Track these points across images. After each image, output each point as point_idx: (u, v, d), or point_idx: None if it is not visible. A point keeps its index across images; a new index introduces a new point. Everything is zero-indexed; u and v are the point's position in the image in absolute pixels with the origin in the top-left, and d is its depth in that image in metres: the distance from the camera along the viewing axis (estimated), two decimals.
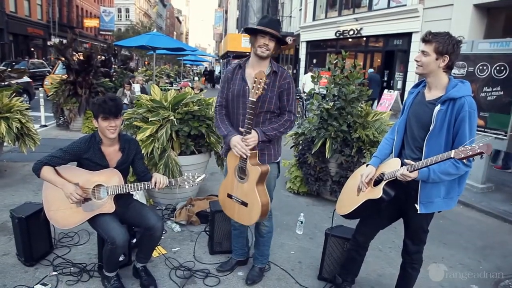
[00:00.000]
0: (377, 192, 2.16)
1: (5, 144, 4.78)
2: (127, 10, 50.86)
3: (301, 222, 3.71)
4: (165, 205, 4.11)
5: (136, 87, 9.38)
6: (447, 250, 3.60)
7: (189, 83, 16.41)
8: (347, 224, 2.89)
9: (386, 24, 12.88)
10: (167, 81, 17.69)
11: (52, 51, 21.08)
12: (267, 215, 2.50)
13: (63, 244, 3.16)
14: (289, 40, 18.65)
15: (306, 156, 4.59)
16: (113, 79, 9.29)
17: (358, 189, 2.34)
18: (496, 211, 4.64)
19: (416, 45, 11.14)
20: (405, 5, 12.07)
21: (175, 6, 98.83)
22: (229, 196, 2.54)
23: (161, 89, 4.66)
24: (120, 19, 47.77)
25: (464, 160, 1.86)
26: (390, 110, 9.64)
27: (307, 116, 6.38)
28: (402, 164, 2.11)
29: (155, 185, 2.43)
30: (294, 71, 20.60)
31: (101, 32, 39.39)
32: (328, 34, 16.53)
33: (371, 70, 13.24)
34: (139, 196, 3.58)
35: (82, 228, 3.14)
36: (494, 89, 5.01)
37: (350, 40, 15.70)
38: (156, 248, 2.98)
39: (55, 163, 2.39)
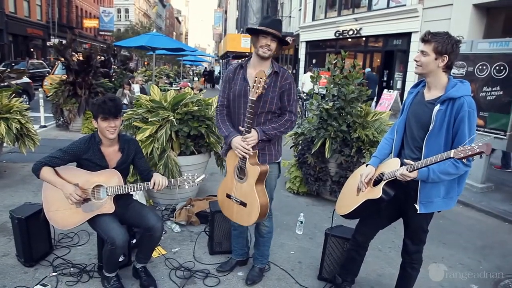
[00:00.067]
0: (377, 192, 2.16)
1: (4, 144, 4.77)
2: (127, 11, 50.85)
3: (301, 222, 3.71)
4: (164, 205, 4.11)
5: (136, 88, 9.38)
6: (447, 250, 3.60)
7: (189, 84, 16.41)
8: (347, 224, 2.89)
9: (385, 24, 12.89)
10: (166, 81, 17.67)
11: (52, 51, 21.09)
12: (266, 216, 2.50)
13: (63, 244, 3.16)
14: (288, 40, 18.66)
15: (305, 156, 4.59)
16: (113, 79, 9.29)
17: (358, 189, 2.34)
18: (495, 211, 4.64)
19: (416, 45, 11.15)
20: (405, 5, 12.08)
21: (174, 6, 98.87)
22: (228, 196, 2.54)
23: (160, 90, 4.66)
24: (120, 20, 47.76)
25: (463, 160, 1.86)
26: (390, 110, 9.65)
27: (306, 116, 6.38)
28: (402, 164, 2.11)
29: (154, 185, 2.43)
30: (294, 71, 20.59)
31: (100, 33, 39.39)
32: (328, 34, 16.54)
33: (368, 69, 13.25)
34: (138, 196, 3.58)
35: (82, 228, 3.15)
36: (493, 89, 5.02)
37: (349, 40, 15.71)
38: (156, 248, 2.98)
39: (54, 164, 2.39)
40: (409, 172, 1.99)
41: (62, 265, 2.84)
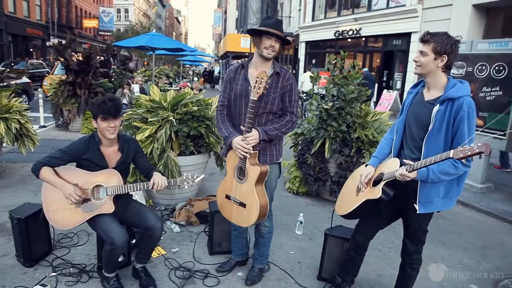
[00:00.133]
0: (376, 192, 2.16)
1: (4, 145, 4.77)
2: (126, 11, 50.84)
3: (301, 223, 3.71)
4: (164, 205, 4.10)
5: (135, 88, 9.39)
6: (447, 250, 3.60)
7: (188, 84, 16.40)
8: (346, 224, 2.89)
9: (385, 24, 12.90)
10: (166, 81, 17.67)
11: (51, 51, 21.05)
12: (265, 217, 2.50)
13: (63, 244, 3.16)
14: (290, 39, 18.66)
15: (305, 157, 4.59)
16: (112, 79, 9.28)
17: (357, 189, 2.34)
18: (495, 211, 4.64)
19: (415, 45, 11.15)
20: (404, 5, 12.09)
21: (174, 6, 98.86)
22: (228, 197, 2.54)
23: (160, 90, 4.66)
24: (119, 20, 47.75)
25: (463, 160, 1.86)
26: (390, 110, 9.66)
27: (306, 116, 6.39)
28: (401, 164, 2.11)
29: (153, 186, 2.43)
30: (294, 71, 20.60)
31: (100, 33, 39.37)
32: (327, 34, 16.55)
33: (366, 69, 13.25)
34: (138, 196, 3.58)
35: (82, 228, 3.15)
36: (493, 89, 5.02)
37: (349, 40, 15.72)
38: (155, 248, 2.97)
39: (54, 164, 2.39)
40: (409, 172, 1.99)
41: (62, 265, 2.84)
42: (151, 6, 61.46)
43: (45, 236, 2.96)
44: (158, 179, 2.44)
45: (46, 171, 2.35)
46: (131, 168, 2.85)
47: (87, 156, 2.43)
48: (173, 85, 16.94)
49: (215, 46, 63.44)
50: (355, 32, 14.63)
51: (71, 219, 2.43)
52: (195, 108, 3.99)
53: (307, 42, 19.00)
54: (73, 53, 8.08)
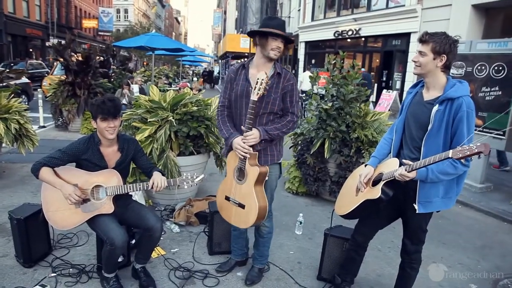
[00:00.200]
0: (376, 192, 2.16)
1: (3, 145, 4.77)
2: (126, 11, 50.82)
3: (300, 223, 3.71)
4: (164, 205, 4.10)
5: (135, 88, 9.37)
6: (446, 250, 3.61)
7: (188, 84, 16.40)
8: (346, 224, 2.89)
9: (384, 24, 12.90)
10: (165, 81, 17.67)
11: (51, 52, 21.11)
12: (264, 218, 2.49)
13: (62, 245, 3.16)
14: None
15: (305, 157, 4.59)
16: (112, 79, 9.28)
17: (357, 189, 2.35)
18: (495, 211, 4.65)
19: (415, 45, 11.12)
20: (404, 5, 12.09)
21: (174, 6, 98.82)
22: (227, 198, 2.54)
23: (159, 90, 4.66)
24: (119, 20, 47.74)
25: (462, 160, 1.86)
26: (389, 110, 9.66)
27: (305, 116, 6.39)
28: (401, 164, 2.11)
29: (152, 186, 2.43)
30: (293, 72, 20.62)
31: (99, 33, 39.35)
32: (327, 34, 16.55)
33: (363, 69, 13.23)
34: (138, 196, 3.58)
35: (81, 229, 3.14)
36: (492, 89, 5.02)
37: (348, 40, 15.72)
38: (155, 249, 2.97)
39: (53, 164, 2.38)
40: (408, 172, 1.99)
41: (61, 266, 2.84)
42: (151, 6, 61.45)
43: (45, 236, 2.96)
44: (158, 180, 2.44)
45: (45, 172, 2.35)
46: (131, 168, 2.85)
47: (86, 156, 2.43)
48: (172, 85, 16.94)
49: (215, 46, 63.46)
50: (354, 32, 14.63)
51: (71, 220, 2.43)
52: (195, 108, 4.00)
53: (306, 42, 19.01)
54: (73, 53, 8.08)
